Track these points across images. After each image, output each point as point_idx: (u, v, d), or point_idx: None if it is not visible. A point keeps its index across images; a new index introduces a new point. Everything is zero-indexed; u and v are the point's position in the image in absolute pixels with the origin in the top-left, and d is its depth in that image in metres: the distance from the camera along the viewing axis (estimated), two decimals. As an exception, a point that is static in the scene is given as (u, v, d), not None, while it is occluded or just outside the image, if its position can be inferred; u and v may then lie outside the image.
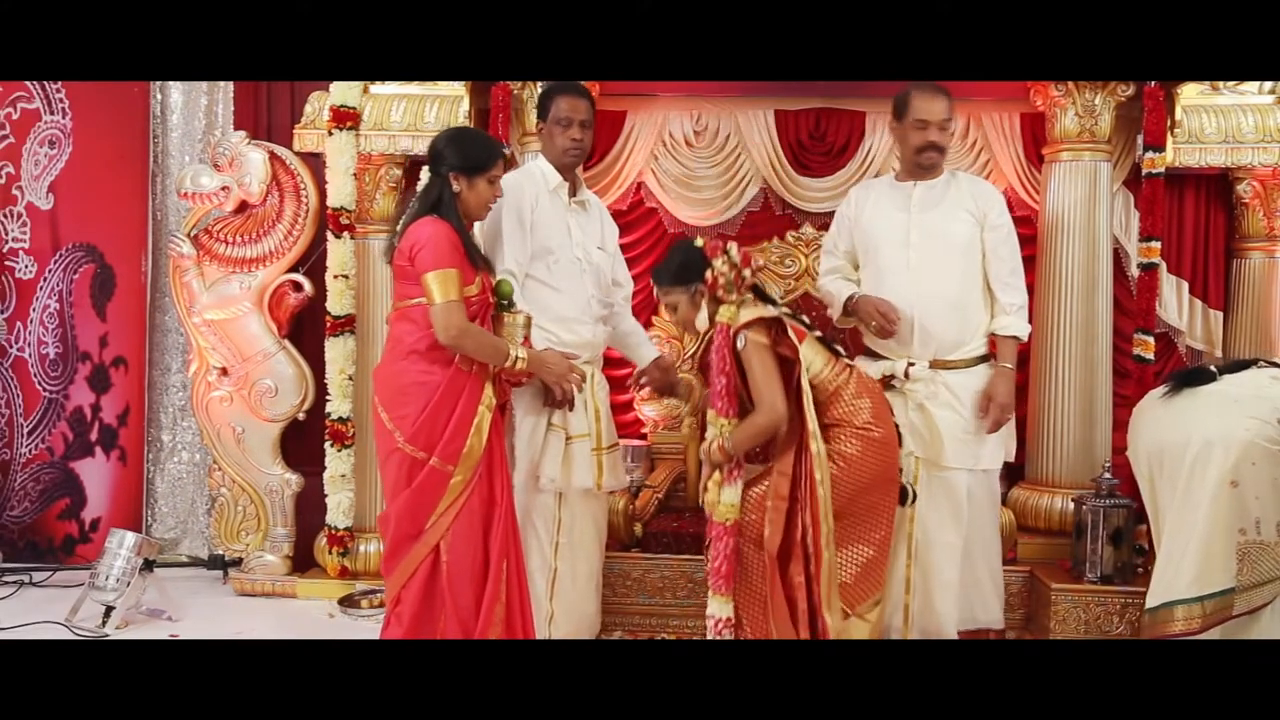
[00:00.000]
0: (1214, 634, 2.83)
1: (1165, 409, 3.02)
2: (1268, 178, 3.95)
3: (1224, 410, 2.87)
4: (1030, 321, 3.30)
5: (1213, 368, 3.08)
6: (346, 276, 4.04)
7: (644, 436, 4.22)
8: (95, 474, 4.50)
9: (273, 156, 4.17)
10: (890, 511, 2.83)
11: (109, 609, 3.68)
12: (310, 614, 3.90)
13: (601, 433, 3.11)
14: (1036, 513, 3.74)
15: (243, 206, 4.20)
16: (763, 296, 2.85)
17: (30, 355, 4.51)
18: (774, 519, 2.70)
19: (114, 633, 3.65)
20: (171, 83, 4.58)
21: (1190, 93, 3.93)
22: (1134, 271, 3.87)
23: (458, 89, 4.01)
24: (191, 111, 4.61)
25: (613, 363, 3.41)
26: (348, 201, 4.02)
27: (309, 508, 4.21)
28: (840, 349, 2.88)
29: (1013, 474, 3.71)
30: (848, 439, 2.75)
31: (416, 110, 4.04)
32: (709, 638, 2.77)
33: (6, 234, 4.50)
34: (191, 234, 4.22)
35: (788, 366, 2.75)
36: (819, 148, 4.15)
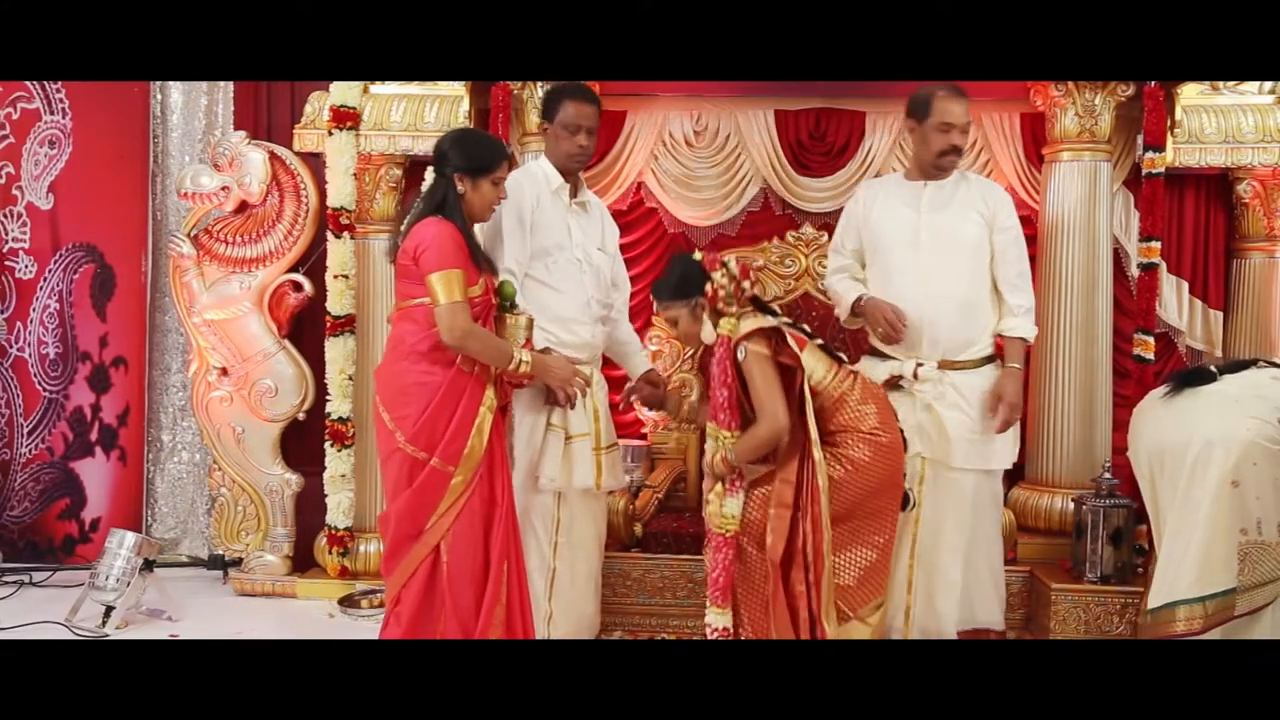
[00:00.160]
0: (1214, 634, 2.83)
1: (1166, 409, 3.02)
2: (1268, 178, 3.95)
3: (1224, 410, 2.87)
4: (1032, 322, 3.30)
5: (1213, 368, 3.08)
6: (346, 276, 4.04)
7: (644, 436, 4.23)
8: (95, 474, 4.50)
9: (273, 156, 4.17)
10: (894, 516, 2.83)
11: (109, 609, 3.68)
12: (310, 614, 3.90)
13: (601, 432, 3.11)
14: (1036, 513, 3.74)
15: (243, 206, 4.20)
16: (762, 307, 2.85)
17: (30, 355, 4.51)
18: (777, 526, 2.70)
19: (114, 633, 3.65)
20: (171, 83, 4.58)
21: (1190, 93, 3.93)
22: (1134, 271, 3.87)
23: (458, 89, 4.01)
24: (191, 111, 4.61)
25: (612, 363, 3.41)
26: (348, 201, 4.02)
27: (309, 508, 4.21)
28: (843, 356, 2.87)
29: (1013, 474, 3.70)
30: (855, 444, 2.75)
31: (416, 110, 4.04)
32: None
33: (6, 234, 4.50)
34: (191, 234, 4.22)
35: (790, 375, 2.76)
36: (819, 148, 4.15)
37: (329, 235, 4.05)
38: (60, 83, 4.46)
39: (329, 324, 4.06)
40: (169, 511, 4.64)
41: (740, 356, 2.72)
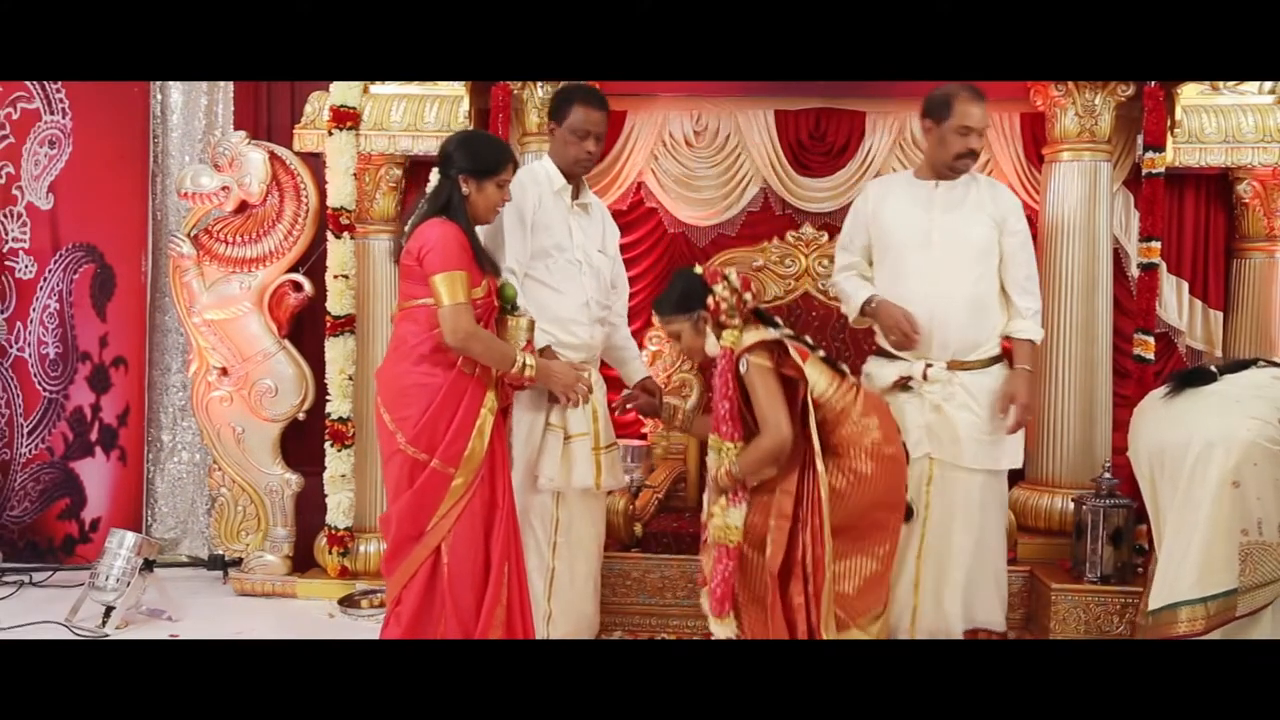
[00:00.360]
0: (1215, 634, 2.82)
1: (1166, 409, 3.01)
2: (1268, 178, 3.95)
3: (1225, 410, 2.87)
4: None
5: (1213, 368, 3.07)
6: (346, 276, 4.04)
7: (644, 436, 4.22)
8: (95, 474, 4.50)
9: (273, 156, 4.17)
10: (896, 528, 2.82)
11: (109, 609, 3.68)
12: (310, 614, 3.90)
13: (600, 432, 3.10)
14: (1036, 513, 3.74)
15: (243, 206, 4.20)
16: (764, 320, 2.86)
17: (30, 355, 4.51)
18: (776, 538, 2.69)
19: (114, 633, 3.65)
20: (171, 83, 4.58)
21: (1190, 93, 3.93)
22: (1134, 271, 3.87)
23: (458, 89, 4.01)
24: (191, 111, 4.61)
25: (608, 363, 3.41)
26: (348, 201, 4.02)
27: (309, 508, 4.21)
28: (845, 368, 2.88)
29: (1013, 474, 3.69)
30: (858, 456, 2.74)
31: (416, 110, 4.04)
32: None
33: (6, 234, 4.50)
34: (191, 234, 4.22)
35: (792, 387, 2.76)
36: (819, 148, 4.15)
37: (329, 235, 4.05)
38: (60, 83, 4.46)
39: (329, 324, 4.06)
40: (169, 511, 4.64)
41: (742, 369, 2.73)
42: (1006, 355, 3.19)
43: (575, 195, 3.14)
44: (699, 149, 4.15)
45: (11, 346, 4.52)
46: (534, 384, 2.88)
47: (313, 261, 4.24)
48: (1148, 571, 3.13)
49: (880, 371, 3.16)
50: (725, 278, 2.79)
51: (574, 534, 3.12)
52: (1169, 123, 3.71)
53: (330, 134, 4.01)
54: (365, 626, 3.73)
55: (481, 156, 2.81)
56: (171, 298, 4.34)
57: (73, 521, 4.49)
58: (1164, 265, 3.93)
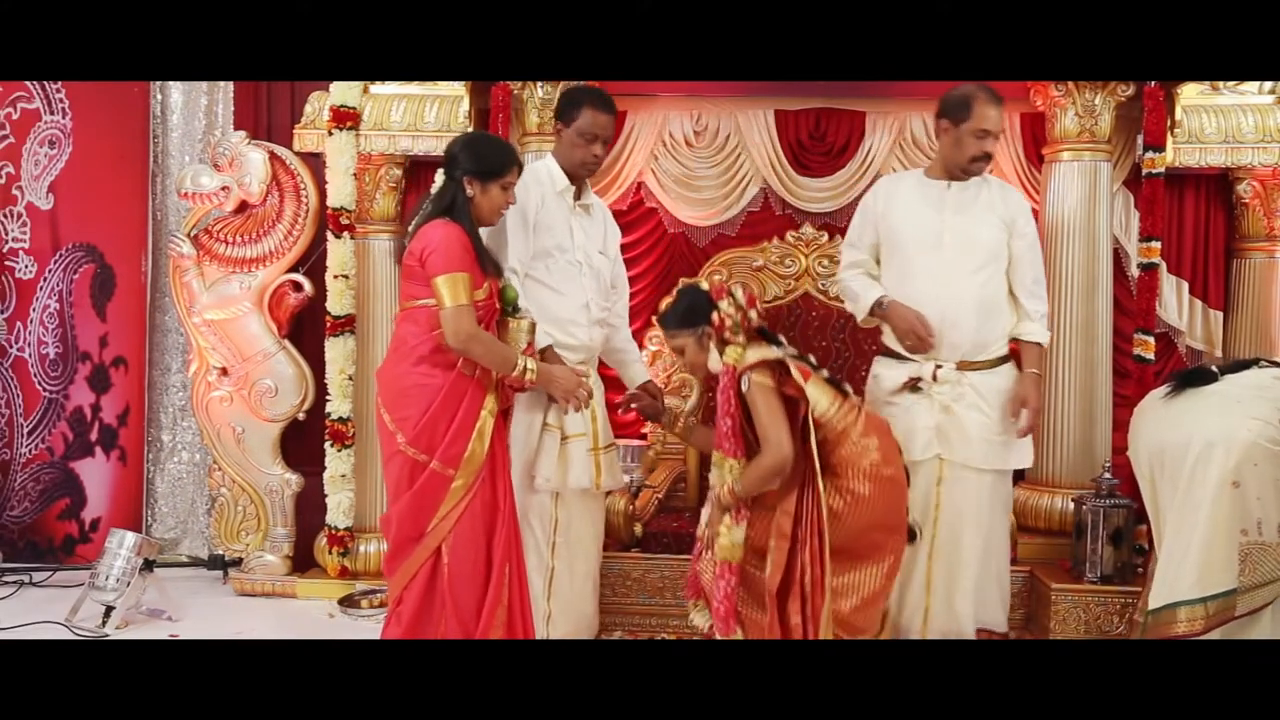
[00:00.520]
0: (1214, 635, 2.82)
1: (1166, 409, 3.01)
2: (1268, 178, 3.95)
3: (1226, 410, 2.87)
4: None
5: (1214, 368, 3.07)
6: (346, 276, 4.04)
7: (644, 436, 4.22)
8: (95, 474, 4.50)
9: (273, 156, 4.17)
10: (895, 550, 2.81)
11: (109, 609, 3.68)
12: (310, 614, 3.90)
13: (598, 432, 3.10)
14: (1036, 513, 3.74)
15: (243, 206, 4.20)
16: (768, 338, 2.87)
17: (30, 355, 4.51)
18: (776, 558, 2.70)
19: (114, 633, 3.65)
20: (171, 83, 4.58)
21: (1190, 93, 3.93)
22: (1134, 271, 3.87)
23: (458, 89, 4.01)
24: (191, 111, 4.61)
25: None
26: (348, 201, 4.02)
27: (309, 508, 4.21)
28: (848, 388, 2.88)
29: (1013, 474, 3.71)
30: (856, 477, 2.74)
31: (416, 110, 4.04)
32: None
33: (6, 234, 4.50)
34: (191, 234, 4.22)
35: (794, 406, 2.76)
36: (819, 148, 4.15)
37: (329, 235, 4.05)
38: (60, 83, 4.46)
39: (329, 324, 4.06)
40: (169, 511, 4.64)
41: (744, 387, 2.74)
42: (1013, 355, 3.19)
43: (577, 196, 3.14)
44: (699, 149, 4.16)
45: (11, 346, 4.52)
46: (534, 387, 2.88)
47: (313, 261, 4.25)
48: (1147, 571, 3.13)
49: (889, 373, 3.15)
50: (731, 294, 2.81)
51: (573, 534, 3.12)
52: (1169, 123, 3.72)
53: (330, 134, 4.01)
54: (365, 626, 3.73)
55: (486, 159, 2.81)
56: (171, 298, 4.34)
57: (73, 521, 4.49)
58: (1164, 265, 3.93)
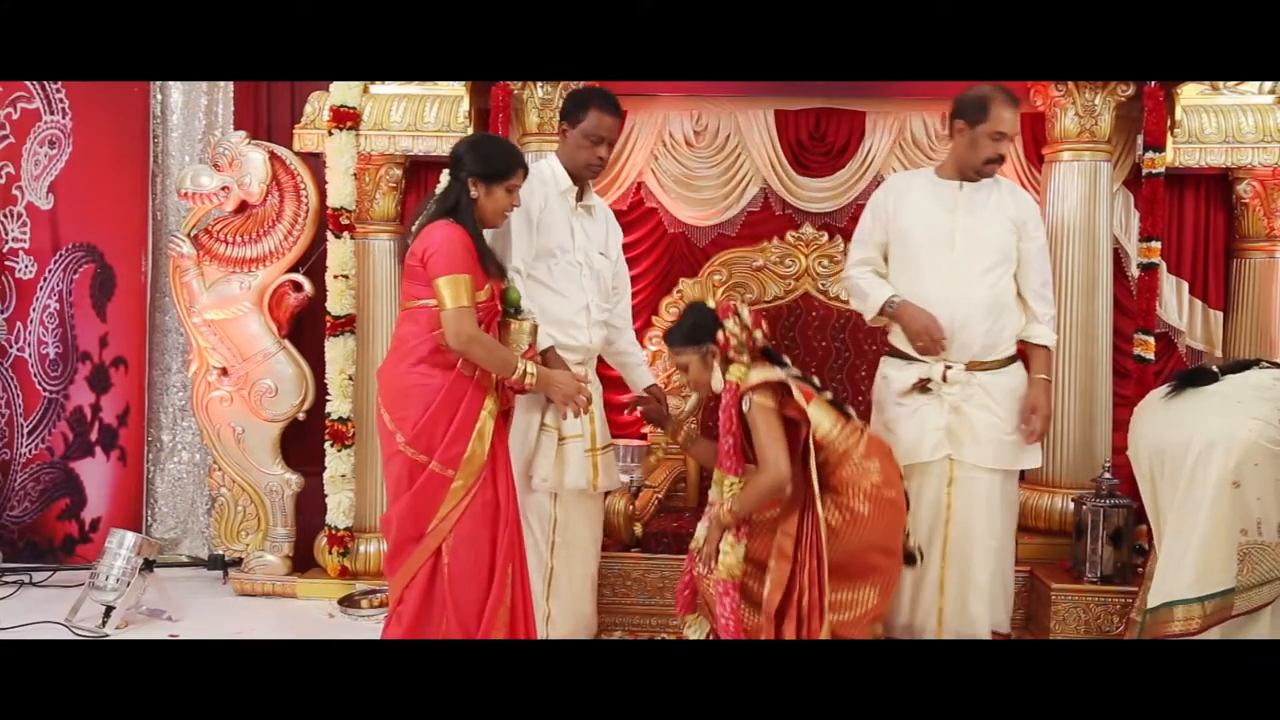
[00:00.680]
0: (1214, 634, 2.82)
1: (1167, 409, 3.01)
2: (1268, 178, 3.95)
3: (1226, 411, 2.87)
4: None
5: (1214, 368, 3.07)
6: (346, 276, 4.04)
7: (644, 436, 4.23)
8: (95, 474, 4.50)
9: (273, 156, 4.17)
10: (889, 572, 2.83)
11: (109, 609, 3.68)
12: (310, 614, 3.90)
13: (596, 433, 3.10)
14: (1036, 513, 3.74)
15: (243, 206, 4.20)
16: (773, 359, 2.88)
17: (30, 355, 4.51)
18: (775, 578, 2.71)
19: (114, 633, 3.65)
20: (171, 83, 4.58)
21: (1190, 93, 3.93)
22: (1134, 271, 3.87)
23: (458, 89, 4.01)
24: (191, 111, 4.61)
25: (608, 362, 3.40)
26: (348, 201, 4.02)
27: (309, 508, 4.21)
28: (851, 411, 2.88)
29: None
30: (856, 496, 2.76)
31: (416, 110, 4.04)
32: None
33: (6, 234, 4.50)
34: (191, 234, 4.22)
35: (795, 427, 2.77)
36: (819, 148, 4.16)
37: (329, 235, 4.05)
38: (60, 83, 4.46)
39: (329, 324, 4.06)
40: (169, 511, 4.64)
41: (745, 407, 2.75)
42: (1019, 355, 3.19)
43: (580, 197, 3.13)
44: (699, 149, 4.16)
45: (11, 346, 4.52)
46: (534, 391, 2.87)
47: (313, 261, 4.24)
48: (1145, 571, 3.13)
49: (898, 374, 3.14)
50: (737, 313, 2.82)
51: (571, 534, 3.12)
52: (1169, 123, 3.72)
53: (330, 134, 4.01)
54: (365, 626, 3.73)
55: (492, 161, 2.80)
56: (171, 298, 4.34)
57: (73, 521, 4.49)
58: (1164, 265, 3.93)
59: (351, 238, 4.04)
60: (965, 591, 3.09)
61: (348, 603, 3.93)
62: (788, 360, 2.92)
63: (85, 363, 4.49)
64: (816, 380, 2.93)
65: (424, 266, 2.71)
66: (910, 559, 2.92)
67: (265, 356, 4.20)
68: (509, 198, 2.83)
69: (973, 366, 3.09)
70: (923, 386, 3.09)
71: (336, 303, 4.05)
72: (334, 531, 4.08)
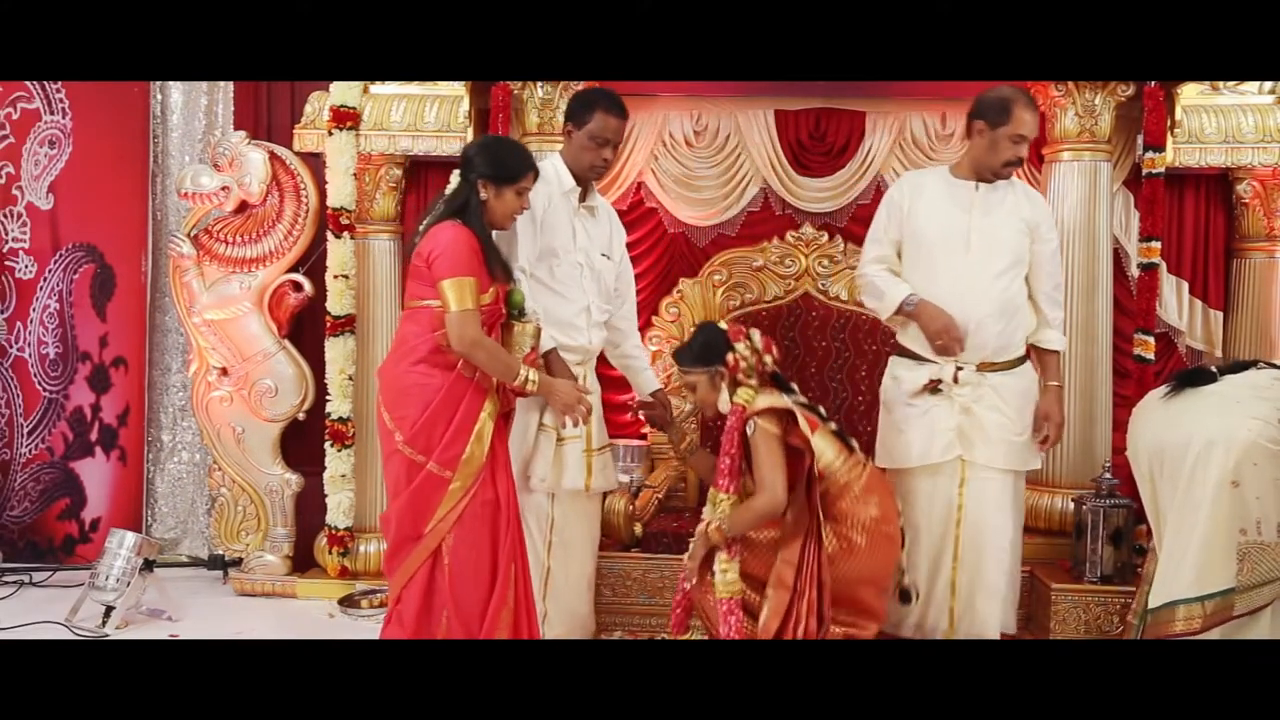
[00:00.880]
0: (1214, 634, 2.83)
1: (1166, 409, 3.01)
2: (1268, 178, 3.94)
3: (1225, 410, 2.87)
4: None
5: (1214, 368, 3.07)
6: (346, 276, 4.04)
7: (644, 436, 4.22)
8: (95, 474, 4.50)
9: (273, 156, 4.17)
10: (874, 610, 2.85)
11: (109, 609, 3.68)
12: (310, 614, 3.90)
13: (593, 434, 3.10)
14: (1036, 513, 3.73)
15: (243, 206, 4.20)
16: (781, 385, 2.88)
17: (30, 355, 4.51)
18: (774, 605, 2.73)
19: (114, 633, 3.64)
20: (171, 83, 4.58)
21: (1190, 93, 3.93)
22: (1134, 271, 3.87)
23: (458, 89, 4.01)
24: (191, 111, 4.61)
25: (608, 361, 3.40)
26: (348, 201, 4.02)
27: (309, 508, 4.21)
28: (854, 443, 2.89)
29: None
30: (855, 528, 2.78)
31: (416, 110, 4.04)
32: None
33: (6, 234, 4.50)
34: (191, 234, 4.22)
35: (798, 456, 2.78)
36: (819, 148, 4.15)
37: (329, 235, 4.05)
38: (60, 83, 4.46)
39: (329, 324, 4.06)
40: (169, 511, 4.64)
41: (749, 430, 2.76)
42: (1028, 356, 3.19)
43: (583, 198, 3.13)
44: (699, 149, 4.16)
45: (11, 346, 4.52)
46: (535, 395, 2.87)
47: (313, 261, 4.24)
48: (1143, 574, 3.13)
49: (909, 375, 3.13)
50: (749, 336, 2.84)
51: (568, 534, 3.12)
52: (1169, 123, 3.72)
53: (330, 134, 4.01)
54: (365, 626, 3.73)
55: (502, 163, 2.79)
56: (171, 298, 4.34)
57: (73, 521, 4.49)
58: (1164, 265, 3.93)
59: (351, 238, 4.04)
60: (976, 592, 3.09)
61: (348, 603, 3.92)
62: (795, 387, 2.93)
63: (85, 363, 4.49)
64: (823, 410, 2.94)
65: (429, 268, 2.71)
66: (905, 596, 2.93)
67: (265, 356, 4.20)
68: (519, 200, 2.82)
69: (984, 367, 3.09)
70: (934, 387, 3.08)
71: (336, 303, 4.05)
72: (334, 531, 4.07)
